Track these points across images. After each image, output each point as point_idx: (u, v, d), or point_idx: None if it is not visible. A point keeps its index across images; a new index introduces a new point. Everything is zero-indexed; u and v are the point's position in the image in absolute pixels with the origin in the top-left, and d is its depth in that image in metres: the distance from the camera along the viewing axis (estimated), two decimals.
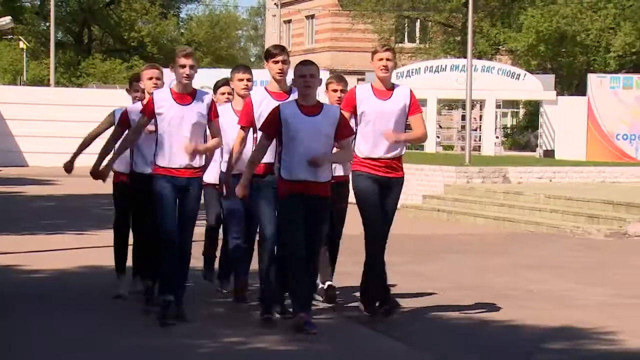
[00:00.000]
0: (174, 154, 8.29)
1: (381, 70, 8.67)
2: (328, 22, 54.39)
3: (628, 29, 41.86)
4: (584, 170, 23.66)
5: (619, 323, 8.78)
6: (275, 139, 8.10)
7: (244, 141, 8.49)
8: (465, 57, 30.23)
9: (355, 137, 8.60)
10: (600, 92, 32.02)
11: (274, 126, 8.00)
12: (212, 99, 8.60)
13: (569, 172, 23.33)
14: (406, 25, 52.11)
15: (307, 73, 8.02)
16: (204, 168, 8.67)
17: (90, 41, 57.57)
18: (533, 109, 43.89)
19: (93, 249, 12.79)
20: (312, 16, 56.33)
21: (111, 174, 9.41)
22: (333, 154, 8.12)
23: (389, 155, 8.61)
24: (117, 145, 9.07)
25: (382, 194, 8.62)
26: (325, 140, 8.01)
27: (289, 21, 58.35)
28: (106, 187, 9.58)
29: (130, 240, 9.59)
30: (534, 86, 34.40)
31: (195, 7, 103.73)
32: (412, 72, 34.08)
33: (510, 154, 37.13)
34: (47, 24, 51.10)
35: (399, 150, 8.69)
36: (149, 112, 8.45)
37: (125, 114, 9.27)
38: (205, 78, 35.37)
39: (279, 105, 8.09)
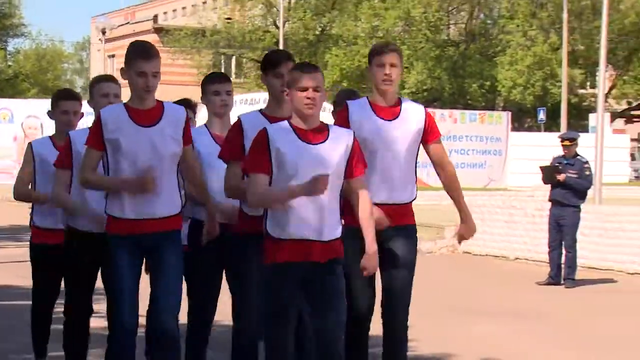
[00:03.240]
0: (139, 200, 5.30)
1: (384, 81, 5.51)
2: None
3: (420, 68, 43.44)
4: None
5: (411, 331, 9.10)
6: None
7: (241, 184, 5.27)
8: None
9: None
10: None
11: (266, 157, 4.94)
12: (187, 116, 5.50)
13: None
14: (223, 61, 52.44)
15: (310, 85, 4.93)
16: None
17: None
18: None
19: None
20: None
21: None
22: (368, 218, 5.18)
23: (397, 201, 5.75)
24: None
25: (383, 252, 5.63)
26: (336, 180, 5.01)
27: (113, 55, 57.61)
28: None
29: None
30: None
31: (22, 41, 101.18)
32: None
33: None
34: None
35: (409, 193, 5.83)
36: (96, 142, 5.32)
37: (67, 148, 5.90)
38: (33, 108, 34.62)
39: (265, 129, 4.99)
